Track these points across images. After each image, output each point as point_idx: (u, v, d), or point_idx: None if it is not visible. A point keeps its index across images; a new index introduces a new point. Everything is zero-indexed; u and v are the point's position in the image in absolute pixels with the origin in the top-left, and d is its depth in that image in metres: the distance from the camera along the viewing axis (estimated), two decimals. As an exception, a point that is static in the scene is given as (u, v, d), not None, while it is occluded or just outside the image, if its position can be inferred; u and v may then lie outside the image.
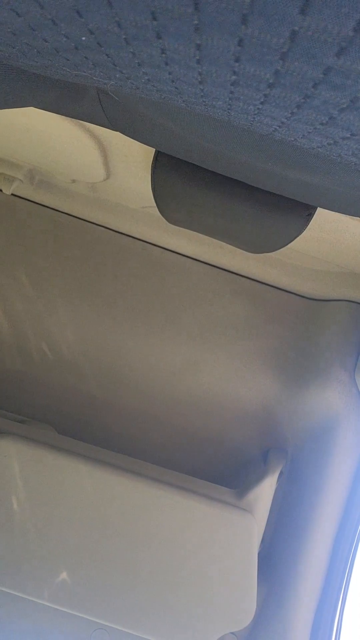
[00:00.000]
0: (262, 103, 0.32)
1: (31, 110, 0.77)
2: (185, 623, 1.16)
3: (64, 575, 1.15)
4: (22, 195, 1.44)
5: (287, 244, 0.87)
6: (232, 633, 1.29)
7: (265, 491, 1.28)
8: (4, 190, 1.27)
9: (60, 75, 0.42)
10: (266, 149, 0.46)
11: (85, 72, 0.38)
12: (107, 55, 0.33)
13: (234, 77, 0.30)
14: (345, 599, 1.27)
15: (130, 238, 1.46)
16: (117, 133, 0.78)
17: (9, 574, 1.14)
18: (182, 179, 0.80)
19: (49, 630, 1.26)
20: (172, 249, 1.46)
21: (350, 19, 0.22)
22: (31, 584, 1.14)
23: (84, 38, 0.31)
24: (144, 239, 1.45)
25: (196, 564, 1.17)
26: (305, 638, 1.27)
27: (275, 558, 1.36)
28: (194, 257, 1.46)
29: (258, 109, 0.33)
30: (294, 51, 0.25)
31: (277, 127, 0.35)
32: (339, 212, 0.65)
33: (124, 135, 0.70)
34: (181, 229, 1.34)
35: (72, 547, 1.15)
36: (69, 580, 1.15)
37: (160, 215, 0.95)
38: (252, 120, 0.36)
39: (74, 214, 1.44)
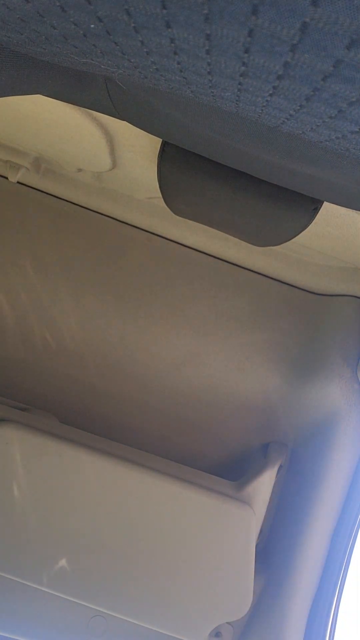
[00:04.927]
0: (270, 95, 0.32)
1: (38, 98, 0.77)
2: (182, 612, 1.17)
3: (63, 562, 1.16)
4: (27, 184, 1.44)
5: (292, 238, 0.87)
6: (228, 623, 1.30)
7: (264, 484, 1.29)
8: (9, 178, 1.27)
9: (68, 63, 0.42)
10: (274, 141, 0.45)
11: (93, 60, 0.38)
12: (115, 43, 0.32)
13: (243, 69, 0.29)
14: (342, 592, 1.28)
15: (135, 228, 1.45)
16: (124, 122, 0.77)
17: (9, 560, 1.15)
18: (189, 170, 0.80)
19: (47, 617, 1.27)
20: (177, 240, 1.46)
21: (362, 11, 0.22)
22: (30, 570, 1.16)
23: (92, 25, 0.31)
24: (148, 229, 1.45)
25: (194, 554, 1.17)
26: (301, 630, 1.28)
27: (272, 550, 1.37)
28: (198, 248, 1.46)
29: (266, 100, 0.33)
30: (305, 43, 0.25)
31: (285, 120, 0.35)
32: (345, 206, 0.64)
33: (131, 125, 0.69)
34: (186, 220, 1.34)
35: (71, 535, 1.16)
36: (68, 567, 1.16)
37: (165, 206, 0.95)
38: (260, 112, 0.36)
39: (79, 203, 1.44)
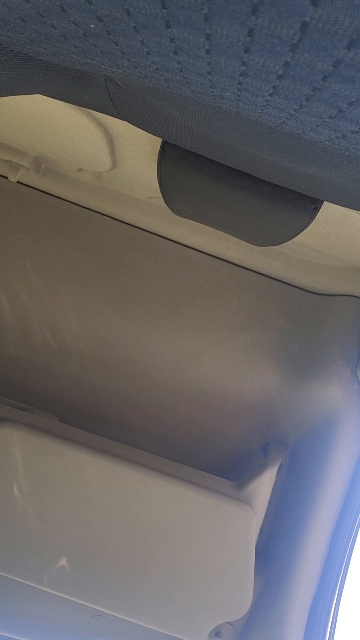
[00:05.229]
0: (270, 95, 0.32)
1: (38, 98, 0.77)
2: (182, 612, 1.17)
3: (63, 562, 1.16)
4: (27, 183, 1.44)
5: (292, 238, 0.87)
6: (228, 623, 1.30)
7: (264, 484, 1.29)
8: (9, 178, 1.27)
9: (68, 62, 0.42)
10: (274, 141, 0.45)
11: (93, 59, 0.38)
12: (115, 43, 0.32)
13: (243, 68, 0.29)
14: (342, 591, 1.28)
15: (135, 228, 1.45)
16: (124, 122, 0.77)
17: (9, 559, 1.15)
18: (189, 170, 0.80)
19: (47, 616, 1.27)
20: (177, 240, 1.46)
21: (362, 10, 0.22)
22: (31, 570, 1.16)
23: (92, 25, 0.31)
24: (149, 229, 1.45)
25: (194, 554, 1.17)
26: (301, 630, 1.28)
27: (272, 550, 1.37)
28: (198, 248, 1.46)
29: (267, 100, 0.33)
30: (305, 43, 0.25)
31: (285, 119, 0.35)
32: (345, 206, 0.64)
33: (131, 125, 0.69)
34: (186, 220, 1.34)
35: (71, 535, 1.16)
36: (68, 567, 1.16)
37: (165, 206, 0.94)
38: (261, 112, 0.36)
39: (79, 203, 1.44)
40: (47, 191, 1.44)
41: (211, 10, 0.25)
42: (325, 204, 0.82)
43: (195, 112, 0.48)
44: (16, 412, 1.23)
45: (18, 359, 1.45)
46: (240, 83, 0.32)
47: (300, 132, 0.37)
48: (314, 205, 0.79)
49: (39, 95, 0.67)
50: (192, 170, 0.80)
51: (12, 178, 1.27)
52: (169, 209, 0.96)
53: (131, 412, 1.47)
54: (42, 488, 1.16)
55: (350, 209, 0.83)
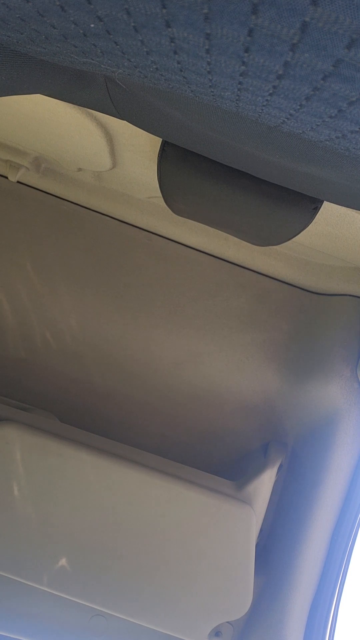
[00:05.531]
0: (270, 94, 0.32)
1: (38, 98, 0.77)
2: (182, 611, 1.17)
3: (63, 561, 1.16)
4: (27, 183, 1.44)
5: (292, 237, 0.87)
6: (228, 622, 1.30)
7: (264, 483, 1.29)
8: (9, 178, 1.27)
9: (68, 62, 0.42)
10: (274, 141, 0.45)
11: (93, 59, 0.38)
12: (115, 43, 0.32)
13: (243, 68, 0.29)
14: (342, 591, 1.28)
15: (135, 228, 1.45)
16: (124, 122, 0.77)
17: (9, 559, 1.15)
18: (189, 170, 0.80)
19: (47, 616, 1.27)
20: (177, 240, 1.46)
21: (362, 10, 0.22)
22: (31, 569, 1.16)
23: (92, 25, 0.31)
24: (149, 229, 1.45)
25: (194, 553, 1.17)
26: (301, 629, 1.28)
27: (273, 550, 1.37)
28: (198, 248, 1.46)
29: (267, 100, 0.33)
30: (305, 42, 0.25)
31: (286, 119, 0.35)
32: (345, 206, 0.64)
33: (131, 125, 0.69)
34: (186, 220, 1.34)
35: (71, 535, 1.16)
36: (68, 567, 1.16)
37: (165, 206, 0.94)
38: (261, 112, 0.36)
39: (79, 203, 1.44)
40: (47, 191, 1.44)
41: (211, 10, 0.25)
42: (325, 204, 0.82)
43: (195, 112, 0.48)
44: (16, 412, 1.23)
45: (18, 359, 1.45)
46: (240, 83, 0.32)
47: (300, 131, 0.37)
48: (314, 205, 0.79)
49: (39, 95, 0.67)
50: (192, 170, 0.80)
51: (12, 178, 1.27)
52: (169, 209, 0.96)
53: (131, 412, 1.47)
54: (42, 488, 1.16)
55: (350, 209, 0.83)
